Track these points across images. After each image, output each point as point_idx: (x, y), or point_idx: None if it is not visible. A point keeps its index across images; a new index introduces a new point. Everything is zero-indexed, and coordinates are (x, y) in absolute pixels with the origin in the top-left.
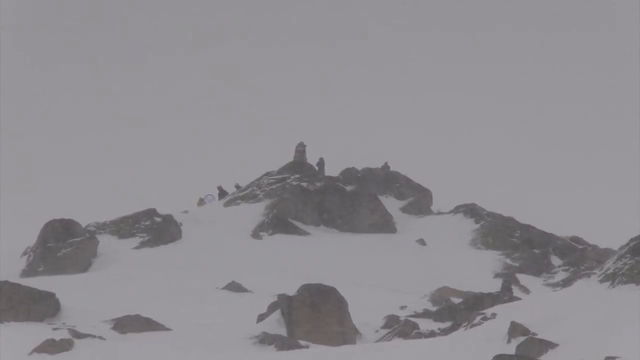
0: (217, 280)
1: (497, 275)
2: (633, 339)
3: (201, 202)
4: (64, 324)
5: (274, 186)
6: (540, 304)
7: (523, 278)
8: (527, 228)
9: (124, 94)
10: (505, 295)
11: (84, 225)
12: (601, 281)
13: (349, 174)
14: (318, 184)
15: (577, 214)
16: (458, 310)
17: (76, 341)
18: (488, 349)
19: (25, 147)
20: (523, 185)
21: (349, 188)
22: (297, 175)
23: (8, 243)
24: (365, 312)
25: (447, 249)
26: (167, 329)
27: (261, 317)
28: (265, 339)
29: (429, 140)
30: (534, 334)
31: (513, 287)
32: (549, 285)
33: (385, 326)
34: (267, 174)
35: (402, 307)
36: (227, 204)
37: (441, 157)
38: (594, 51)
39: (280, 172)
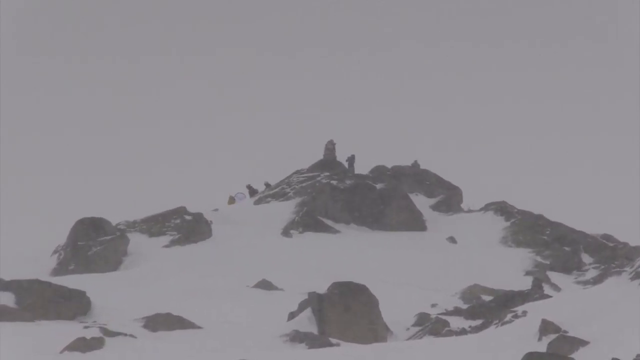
0: (247, 278)
1: (527, 273)
2: None
3: (231, 200)
4: (94, 322)
5: (304, 184)
6: (571, 302)
7: (554, 276)
8: (558, 226)
9: (157, 91)
10: (536, 293)
11: (114, 224)
12: (632, 279)
13: (379, 172)
14: (348, 182)
15: (607, 212)
16: (489, 308)
17: (107, 339)
18: (519, 346)
19: (56, 146)
20: (553, 183)
21: (379, 186)
22: (327, 173)
23: (39, 241)
24: (396, 310)
25: (478, 247)
26: (198, 327)
27: (292, 315)
28: (297, 337)
29: (458, 139)
30: (565, 331)
31: (544, 285)
32: (579, 283)
33: (416, 324)
34: (297, 171)
35: (433, 305)
36: (257, 202)
37: (471, 155)
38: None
39: (310, 169)
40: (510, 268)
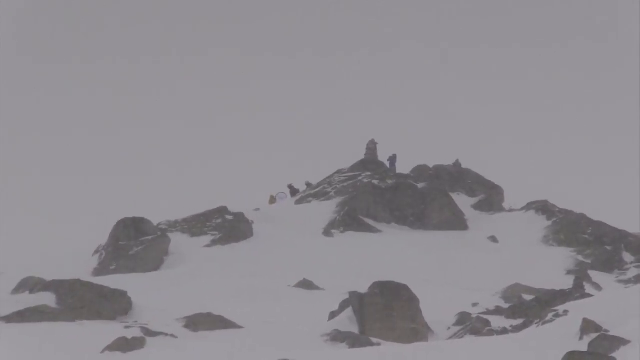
0: (288, 277)
1: (569, 272)
2: None
3: (273, 199)
4: (136, 322)
5: (345, 184)
6: (612, 301)
7: (595, 275)
8: (599, 225)
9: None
10: (577, 292)
11: (155, 224)
12: None
13: (420, 172)
14: (389, 182)
15: None
16: (530, 307)
17: (148, 339)
18: (560, 345)
19: (97, 145)
20: (594, 182)
21: (420, 185)
22: (369, 173)
23: (80, 242)
24: (437, 310)
25: (519, 246)
26: (239, 327)
27: (333, 315)
28: (337, 337)
29: (500, 138)
30: (606, 330)
31: (585, 284)
32: (621, 282)
33: (457, 323)
34: (339, 171)
35: (474, 304)
36: (298, 202)
37: (513, 154)
38: None
39: (351, 169)
40: (551, 267)
